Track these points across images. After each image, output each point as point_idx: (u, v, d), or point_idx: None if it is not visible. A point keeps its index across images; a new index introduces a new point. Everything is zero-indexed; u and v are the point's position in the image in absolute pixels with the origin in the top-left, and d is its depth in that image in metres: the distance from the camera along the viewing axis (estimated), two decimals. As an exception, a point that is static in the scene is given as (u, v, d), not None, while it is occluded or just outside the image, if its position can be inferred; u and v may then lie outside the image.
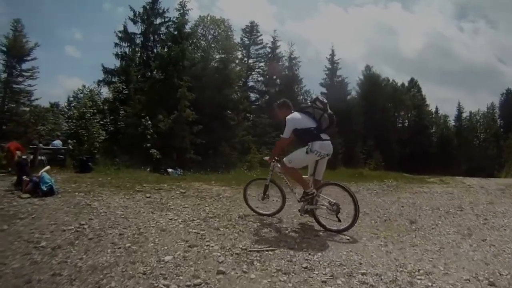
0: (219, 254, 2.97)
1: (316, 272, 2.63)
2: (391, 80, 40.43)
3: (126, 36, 23.40)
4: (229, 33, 28.91)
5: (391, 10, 75.61)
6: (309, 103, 4.19)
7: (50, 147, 11.37)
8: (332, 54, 32.87)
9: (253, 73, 32.04)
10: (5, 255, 2.83)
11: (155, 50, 23.80)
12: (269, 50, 31.86)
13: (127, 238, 3.39)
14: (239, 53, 30.44)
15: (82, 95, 18.41)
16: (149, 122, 17.32)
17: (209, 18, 28.93)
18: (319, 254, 3.05)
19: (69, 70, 62.69)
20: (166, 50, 21.41)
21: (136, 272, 2.55)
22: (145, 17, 23.68)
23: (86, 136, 12.90)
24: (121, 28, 23.59)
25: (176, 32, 21.91)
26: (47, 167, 6.76)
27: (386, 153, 30.31)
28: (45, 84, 57.27)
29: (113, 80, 21.80)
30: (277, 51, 31.88)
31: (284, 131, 3.89)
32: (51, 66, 55.69)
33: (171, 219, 4.17)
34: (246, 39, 31.77)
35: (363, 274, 2.60)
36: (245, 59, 31.33)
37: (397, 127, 39.37)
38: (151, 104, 18.76)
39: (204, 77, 20.56)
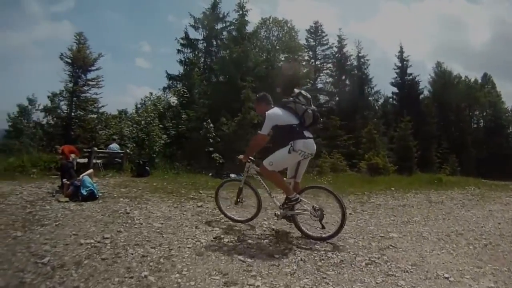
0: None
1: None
2: (463, 77, 36.23)
3: (188, 42, 23.88)
4: (292, 33, 27.84)
5: (454, 2, 69.94)
6: (291, 98, 3.75)
7: (107, 150, 11.29)
8: (401, 51, 31.00)
9: (321, 74, 31.02)
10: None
11: (218, 55, 23.86)
12: (335, 49, 30.61)
13: (148, 263, 2.78)
14: (305, 55, 29.73)
15: (149, 102, 18.81)
16: (211, 125, 16.78)
17: (271, 19, 28.15)
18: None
19: (138, 80, 69.81)
20: (227, 52, 21.04)
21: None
22: (206, 23, 23.92)
23: (147, 140, 12.75)
24: (183, 35, 24.12)
25: (236, 33, 21.51)
26: (90, 171, 6.38)
27: (462, 157, 27.01)
28: (116, 93, 64.55)
29: (178, 86, 22.09)
30: (344, 50, 30.56)
31: (262, 127, 3.59)
32: (122, 76, 64.33)
33: (215, 238, 3.50)
34: (311, 40, 30.88)
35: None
36: (312, 60, 30.38)
37: (472, 128, 35.06)
38: (214, 107, 18.30)
39: (270, 78, 19.57)
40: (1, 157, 12.07)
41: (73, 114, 20.41)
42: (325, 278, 2.63)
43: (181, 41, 23.86)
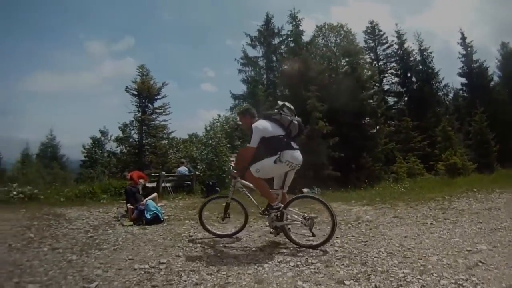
0: None
1: None
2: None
3: (247, 61, 24.50)
4: (350, 37, 26.88)
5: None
6: (275, 110, 3.85)
7: (176, 173, 11.44)
8: (463, 38, 27.52)
9: (386, 75, 29.24)
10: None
11: (280, 69, 23.88)
12: (396, 47, 28.64)
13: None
14: (367, 57, 28.38)
15: (218, 123, 19.34)
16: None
17: (326, 26, 27.40)
18: None
19: (207, 104, 77.56)
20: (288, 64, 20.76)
21: None
22: (262, 40, 24.31)
23: (216, 160, 12.78)
24: (242, 55, 24.90)
25: (294, 45, 21.25)
26: (154, 195, 6.58)
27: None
28: (186, 118, 70.89)
29: (243, 104, 22.41)
30: (405, 46, 28.40)
31: (251, 140, 3.59)
32: (190, 102, 72.65)
33: (280, 262, 3.17)
34: (370, 41, 29.41)
35: None
36: (374, 62, 28.85)
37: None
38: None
39: (334, 85, 18.61)
40: (74, 185, 13.23)
41: (144, 141, 21.85)
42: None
43: (241, 61, 24.54)
